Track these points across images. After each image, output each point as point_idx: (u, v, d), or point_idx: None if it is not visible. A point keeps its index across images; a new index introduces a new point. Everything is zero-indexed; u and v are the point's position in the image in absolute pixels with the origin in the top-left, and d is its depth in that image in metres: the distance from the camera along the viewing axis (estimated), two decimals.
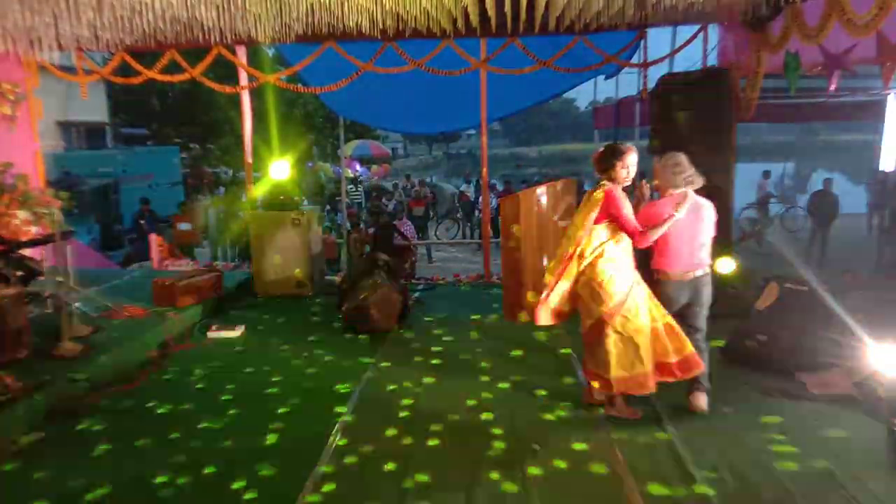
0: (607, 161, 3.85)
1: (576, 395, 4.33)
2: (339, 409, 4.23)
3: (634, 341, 3.79)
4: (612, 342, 3.81)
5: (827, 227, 11.99)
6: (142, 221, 12.13)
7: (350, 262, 10.65)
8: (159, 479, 3.40)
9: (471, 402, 4.30)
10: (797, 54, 5.54)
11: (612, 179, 3.85)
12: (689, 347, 3.86)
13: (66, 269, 5.51)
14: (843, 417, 3.91)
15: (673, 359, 3.87)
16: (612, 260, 3.84)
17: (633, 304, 3.81)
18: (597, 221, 3.82)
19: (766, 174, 15.88)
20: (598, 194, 3.81)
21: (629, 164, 3.82)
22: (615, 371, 3.82)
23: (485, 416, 4.10)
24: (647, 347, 3.82)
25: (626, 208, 3.80)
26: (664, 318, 3.89)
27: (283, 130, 13.99)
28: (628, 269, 3.89)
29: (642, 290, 3.90)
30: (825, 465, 3.35)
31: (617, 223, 3.83)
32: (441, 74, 7.50)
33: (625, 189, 3.91)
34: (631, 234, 3.82)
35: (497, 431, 3.87)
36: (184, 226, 11.87)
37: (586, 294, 3.88)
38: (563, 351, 5.29)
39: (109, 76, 7.82)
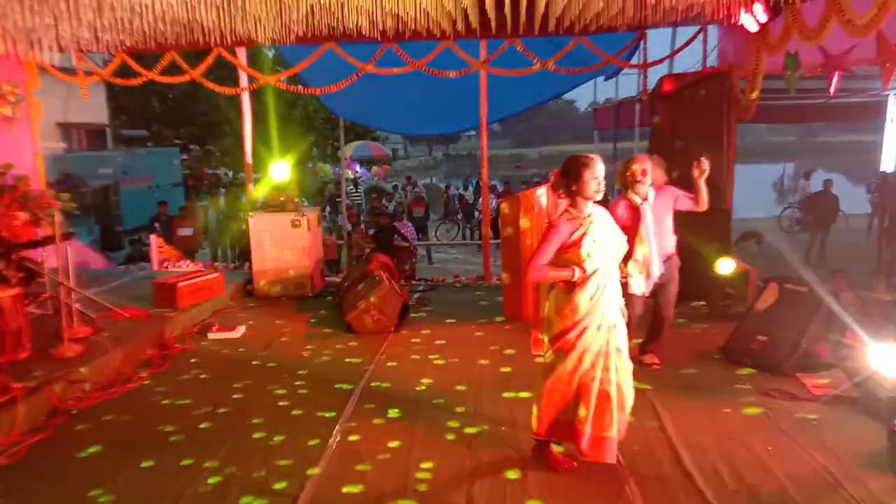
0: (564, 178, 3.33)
1: None
2: (339, 409, 4.22)
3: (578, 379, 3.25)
4: (562, 370, 3.25)
5: (827, 228, 11.98)
6: (156, 224, 12.02)
7: (350, 262, 10.68)
8: (156, 475, 3.41)
9: (470, 403, 4.30)
10: (797, 55, 5.55)
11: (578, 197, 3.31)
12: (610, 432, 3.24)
13: (66, 269, 5.51)
14: (843, 417, 3.91)
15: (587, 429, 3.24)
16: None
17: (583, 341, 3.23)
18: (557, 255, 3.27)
19: (808, 174, 15.76)
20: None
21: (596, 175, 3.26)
22: (548, 410, 3.31)
23: (483, 416, 4.09)
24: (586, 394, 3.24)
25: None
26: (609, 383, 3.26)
27: (283, 132, 14.00)
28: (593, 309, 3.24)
29: (601, 341, 3.26)
30: (825, 465, 3.35)
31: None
32: (441, 76, 7.50)
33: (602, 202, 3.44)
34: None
35: (497, 431, 3.87)
36: (184, 231, 11.63)
37: (550, 310, 3.33)
38: None
39: (109, 77, 7.83)
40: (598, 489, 3.21)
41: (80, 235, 10.54)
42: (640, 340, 4.84)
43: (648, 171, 4.56)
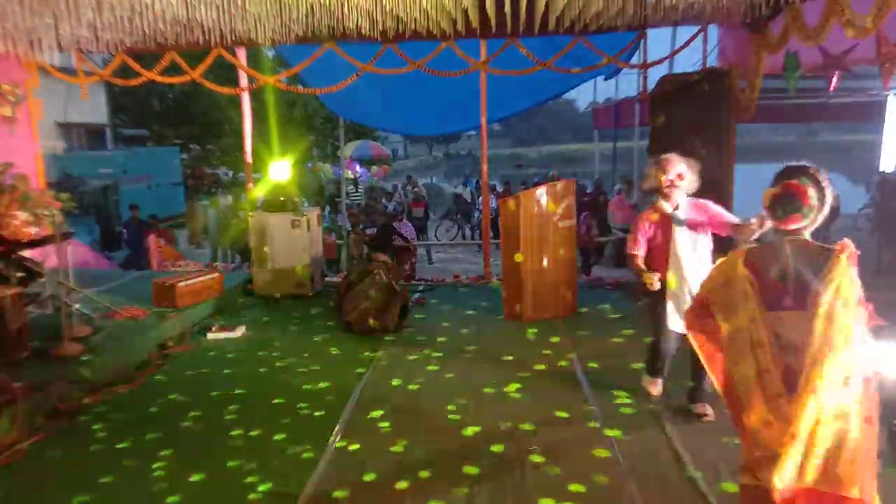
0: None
1: (573, 393, 4.34)
2: (339, 409, 4.22)
3: None
4: None
5: (827, 228, 11.96)
6: (124, 231, 11.47)
7: (350, 262, 10.66)
8: (157, 475, 3.41)
9: (470, 403, 4.29)
10: (796, 55, 5.55)
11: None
12: None
13: (66, 269, 5.51)
14: None
15: None
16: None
17: None
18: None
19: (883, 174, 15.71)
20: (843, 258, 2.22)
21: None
22: None
23: (483, 416, 4.09)
24: None
25: None
26: None
27: (282, 131, 14.00)
28: None
29: None
30: None
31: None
32: (441, 75, 7.50)
33: None
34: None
35: (496, 431, 3.86)
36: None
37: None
38: (566, 361, 5.29)
39: (109, 77, 7.83)
40: (598, 489, 3.21)
41: (80, 235, 10.52)
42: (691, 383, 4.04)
43: (686, 174, 3.79)
